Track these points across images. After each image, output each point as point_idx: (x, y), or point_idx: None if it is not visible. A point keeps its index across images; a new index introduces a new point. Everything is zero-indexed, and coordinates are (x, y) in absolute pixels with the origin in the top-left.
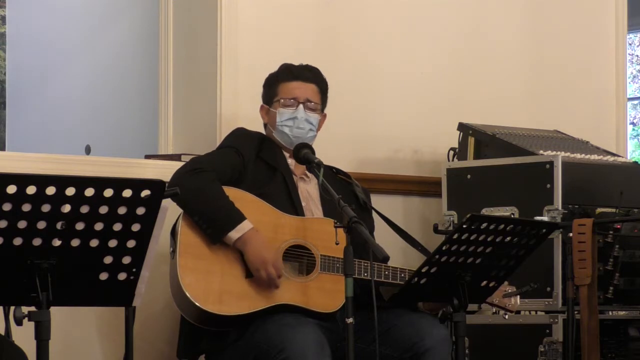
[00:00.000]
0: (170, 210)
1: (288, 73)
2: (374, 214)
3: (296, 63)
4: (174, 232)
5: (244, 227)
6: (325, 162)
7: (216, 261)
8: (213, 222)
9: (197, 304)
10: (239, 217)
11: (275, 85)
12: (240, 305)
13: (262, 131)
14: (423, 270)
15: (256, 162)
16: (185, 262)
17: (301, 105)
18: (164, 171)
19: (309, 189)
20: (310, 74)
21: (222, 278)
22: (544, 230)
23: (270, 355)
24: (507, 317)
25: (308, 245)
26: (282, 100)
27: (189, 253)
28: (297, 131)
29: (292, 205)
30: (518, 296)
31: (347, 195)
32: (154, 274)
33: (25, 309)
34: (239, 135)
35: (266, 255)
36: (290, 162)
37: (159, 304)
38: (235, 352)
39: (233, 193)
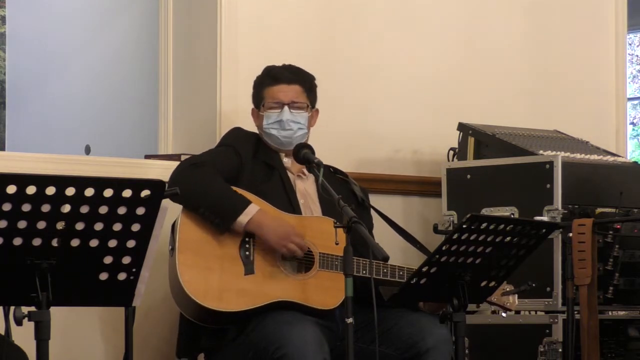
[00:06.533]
0: (170, 209)
1: (270, 77)
2: (373, 213)
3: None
4: (173, 230)
5: (252, 210)
6: (325, 162)
7: (215, 258)
8: (220, 211)
9: (196, 300)
10: (245, 202)
11: (260, 90)
12: (240, 301)
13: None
14: (423, 270)
15: (254, 161)
16: (185, 259)
17: (286, 107)
18: (164, 171)
19: (306, 187)
20: (292, 75)
21: (222, 275)
22: (544, 230)
23: (268, 353)
24: (505, 315)
25: (307, 243)
26: (267, 104)
27: (188, 250)
28: (285, 132)
29: (289, 203)
30: (516, 295)
31: (346, 194)
32: (154, 274)
33: (25, 309)
34: (237, 135)
35: (284, 229)
36: (286, 160)
37: (158, 304)
38: (234, 350)
39: None
